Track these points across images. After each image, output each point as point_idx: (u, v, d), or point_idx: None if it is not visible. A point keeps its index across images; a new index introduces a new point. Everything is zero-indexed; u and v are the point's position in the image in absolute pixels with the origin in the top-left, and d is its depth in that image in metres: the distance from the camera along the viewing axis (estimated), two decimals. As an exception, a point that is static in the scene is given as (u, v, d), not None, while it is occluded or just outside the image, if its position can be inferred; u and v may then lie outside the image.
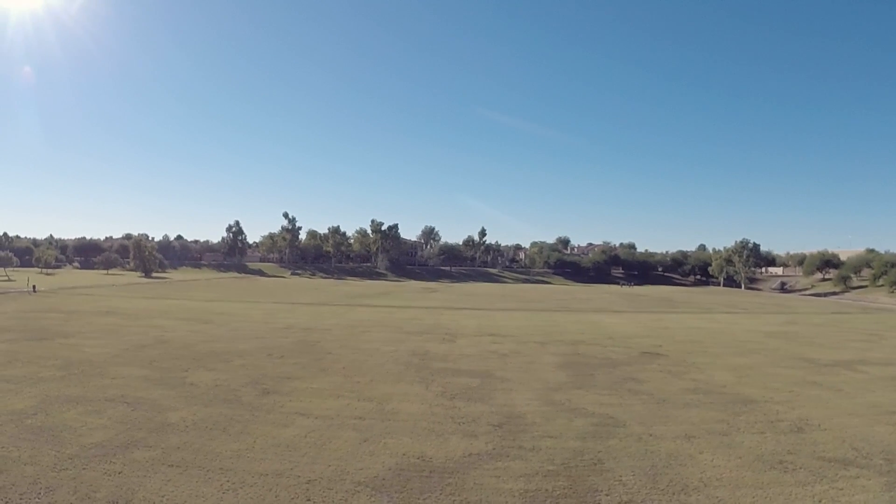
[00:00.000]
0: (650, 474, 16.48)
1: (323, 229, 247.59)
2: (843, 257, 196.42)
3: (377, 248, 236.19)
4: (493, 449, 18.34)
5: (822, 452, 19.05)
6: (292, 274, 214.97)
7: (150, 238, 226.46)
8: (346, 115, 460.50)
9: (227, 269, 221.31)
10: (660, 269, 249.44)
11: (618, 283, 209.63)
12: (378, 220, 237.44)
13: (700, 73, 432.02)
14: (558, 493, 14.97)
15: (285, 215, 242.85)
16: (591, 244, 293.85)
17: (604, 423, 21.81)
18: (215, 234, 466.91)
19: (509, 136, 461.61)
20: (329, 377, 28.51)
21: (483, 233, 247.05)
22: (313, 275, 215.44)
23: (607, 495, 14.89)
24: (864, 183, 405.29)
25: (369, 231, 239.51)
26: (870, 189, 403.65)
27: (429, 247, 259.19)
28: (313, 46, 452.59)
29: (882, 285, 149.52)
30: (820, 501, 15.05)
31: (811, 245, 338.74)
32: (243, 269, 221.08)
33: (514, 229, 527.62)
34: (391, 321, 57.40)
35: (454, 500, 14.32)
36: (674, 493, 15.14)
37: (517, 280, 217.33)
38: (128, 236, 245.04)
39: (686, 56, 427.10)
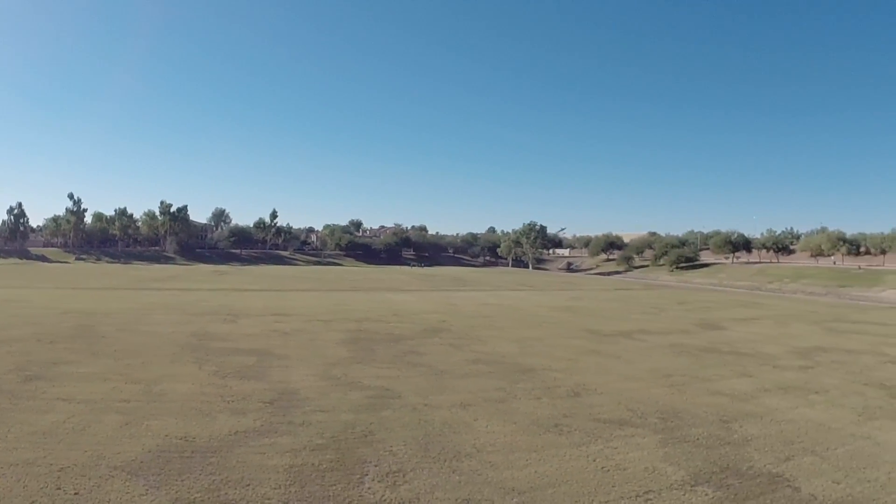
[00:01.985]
0: (422, 443, 15.88)
1: (111, 211, 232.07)
2: (626, 239, 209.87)
3: (166, 231, 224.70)
4: (262, 426, 17.17)
5: (597, 415, 19.33)
6: (77, 259, 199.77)
7: None
8: (134, 87, 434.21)
9: (7, 254, 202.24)
10: (451, 250, 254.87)
11: (409, 265, 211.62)
12: (167, 202, 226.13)
13: (490, 53, 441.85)
14: (325, 466, 14.05)
15: (70, 196, 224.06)
16: (383, 227, 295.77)
17: (379, 395, 21.11)
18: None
19: (301, 116, 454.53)
20: (100, 361, 26.09)
21: (274, 214, 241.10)
22: (99, 259, 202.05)
23: (376, 466, 14.13)
24: (647, 170, 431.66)
25: (158, 213, 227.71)
26: (652, 176, 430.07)
27: (219, 229, 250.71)
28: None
29: (663, 265, 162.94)
30: (594, 460, 15.05)
31: (597, 228, 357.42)
32: (26, 255, 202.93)
33: (307, 212, 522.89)
34: (176, 304, 54.03)
35: (214, 480, 13.06)
36: (445, 461, 14.58)
37: (309, 263, 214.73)
38: None
39: (466, 36, 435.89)
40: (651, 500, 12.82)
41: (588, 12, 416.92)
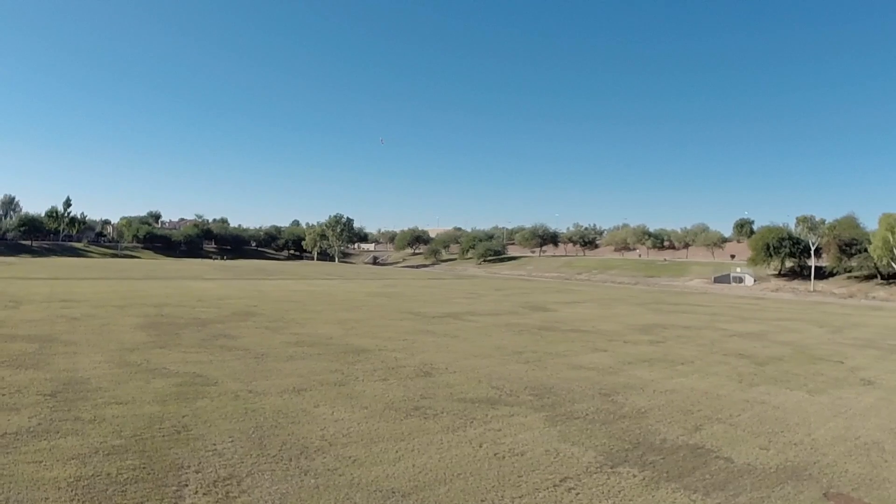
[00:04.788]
0: (254, 438, 12.18)
1: None
2: (432, 234, 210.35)
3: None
4: (39, 424, 12.77)
5: (460, 394, 16.82)
6: None
7: None
8: None
9: None
10: (253, 243, 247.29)
11: (211, 258, 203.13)
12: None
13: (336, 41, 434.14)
14: (126, 476, 10.06)
15: None
16: (183, 219, 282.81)
17: (191, 382, 17.19)
18: None
19: (98, 106, 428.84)
20: None
21: (68, 203, 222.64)
22: None
23: (197, 472, 10.31)
24: (451, 167, 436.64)
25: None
26: (456, 173, 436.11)
27: (8, 218, 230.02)
28: None
29: (471, 258, 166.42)
30: (481, 445, 12.35)
31: (401, 223, 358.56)
32: None
33: (104, 203, 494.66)
34: (-62, 292, 46.95)
35: (-44, 506, 8.92)
36: (290, 459, 11.03)
37: (105, 255, 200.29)
38: None
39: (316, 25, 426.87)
40: (573, 488, 10.40)
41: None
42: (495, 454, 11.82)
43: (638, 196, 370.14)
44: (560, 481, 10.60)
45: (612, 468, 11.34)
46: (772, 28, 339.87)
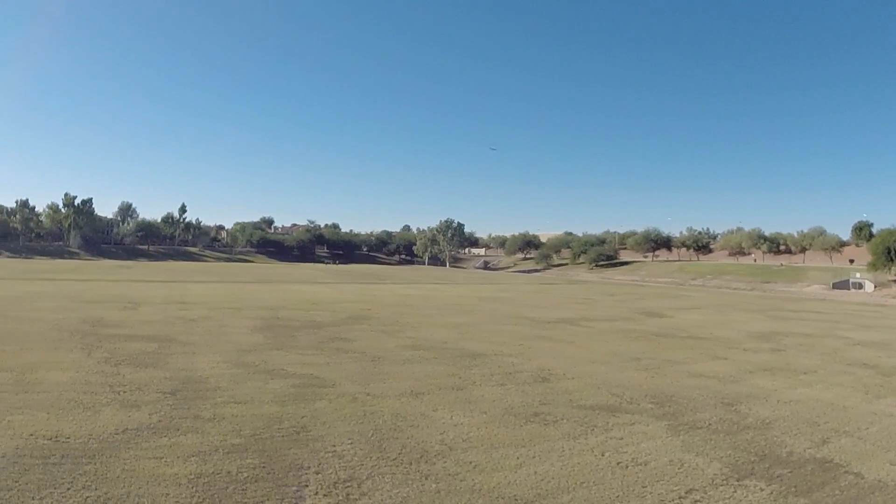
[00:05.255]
0: (374, 441, 12.14)
1: (11, 203, 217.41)
2: (543, 238, 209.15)
3: (69, 225, 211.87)
4: (159, 421, 13.06)
5: (579, 401, 16.39)
6: None
7: None
8: (34, 80, 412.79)
9: None
10: (365, 248, 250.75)
11: (323, 262, 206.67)
12: (72, 195, 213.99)
13: (419, 63, 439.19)
14: (246, 474, 10.15)
15: None
16: (295, 224, 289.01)
17: (308, 383, 17.36)
18: None
19: (210, 112, 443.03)
20: (-33, 346, 21.77)
21: (183, 209, 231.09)
22: None
23: (317, 473, 10.31)
24: (561, 172, 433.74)
25: (61, 206, 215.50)
26: (567, 177, 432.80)
27: (126, 224, 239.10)
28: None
29: (582, 262, 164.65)
30: (603, 454, 11.93)
31: (511, 228, 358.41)
32: None
33: (218, 209, 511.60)
34: (69, 292, 48.92)
35: (88, 496, 9.09)
36: (410, 463, 10.92)
37: (219, 259, 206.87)
38: None
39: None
40: (699, 500, 9.99)
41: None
42: (618, 463, 11.43)
43: (752, 198, 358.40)
44: (686, 493, 10.16)
45: (738, 481, 10.84)
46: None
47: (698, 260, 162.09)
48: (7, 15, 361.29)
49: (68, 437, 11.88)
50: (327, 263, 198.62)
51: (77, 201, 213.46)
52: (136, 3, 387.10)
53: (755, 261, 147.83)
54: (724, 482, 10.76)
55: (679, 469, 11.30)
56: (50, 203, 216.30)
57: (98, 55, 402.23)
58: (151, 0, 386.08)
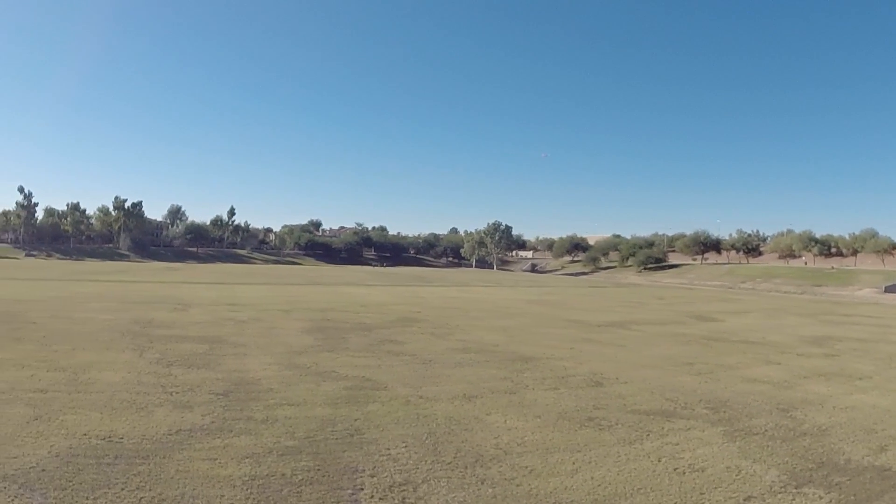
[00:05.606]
0: (428, 444, 12.11)
1: (63, 206, 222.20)
2: (590, 241, 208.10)
3: (119, 228, 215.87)
4: (212, 422, 13.16)
5: (633, 405, 16.20)
6: (27, 255, 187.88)
7: None
8: (86, 84, 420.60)
9: None
10: (412, 251, 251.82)
11: (370, 265, 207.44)
12: (122, 197, 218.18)
13: (445, 57, 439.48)
14: (300, 477, 10.17)
15: (20, 190, 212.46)
16: (343, 227, 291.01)
17: (360, 386, 17.40)
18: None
19: (259, 116, 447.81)
20: (21, 346, 22.08)
21: (232, 212, 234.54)
22: (50, 256, 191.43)
23: (372, 476, 10.30)
24: (608, 174, 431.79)
25: (112, 209, 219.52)
26: (614, 179, 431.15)
27: (175, 226, 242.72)
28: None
29: (631, 265, 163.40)
30: (660, 460, 11.79)
31: (558, 230, 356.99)
32: None
33: (265, 212, 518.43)
34: (119, 293, 49.85)
35: (142, 497, 9.18)
36: (465, 467, 10.86)
37: (267, 261, 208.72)
38: None
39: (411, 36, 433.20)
40: None
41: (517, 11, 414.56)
42: (675, 469, 11.27)
43: (803, 199, 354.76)
44: (744, 500, 9.99)
45: (796, 488, 10.64)
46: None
47: (747, 263, 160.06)
48: (56, 18, 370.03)
49: (122, 438, 12.01)
50: (375, 266, 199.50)
51: (127, 204, 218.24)
52: (184, 6, 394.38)
53: (805, 263, 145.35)
54: (783, 490, 10.58)
55: (737, 476, 11.12)
56: (100, 206, 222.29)
57: (147, 58, 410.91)
58: (199, 2, 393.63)
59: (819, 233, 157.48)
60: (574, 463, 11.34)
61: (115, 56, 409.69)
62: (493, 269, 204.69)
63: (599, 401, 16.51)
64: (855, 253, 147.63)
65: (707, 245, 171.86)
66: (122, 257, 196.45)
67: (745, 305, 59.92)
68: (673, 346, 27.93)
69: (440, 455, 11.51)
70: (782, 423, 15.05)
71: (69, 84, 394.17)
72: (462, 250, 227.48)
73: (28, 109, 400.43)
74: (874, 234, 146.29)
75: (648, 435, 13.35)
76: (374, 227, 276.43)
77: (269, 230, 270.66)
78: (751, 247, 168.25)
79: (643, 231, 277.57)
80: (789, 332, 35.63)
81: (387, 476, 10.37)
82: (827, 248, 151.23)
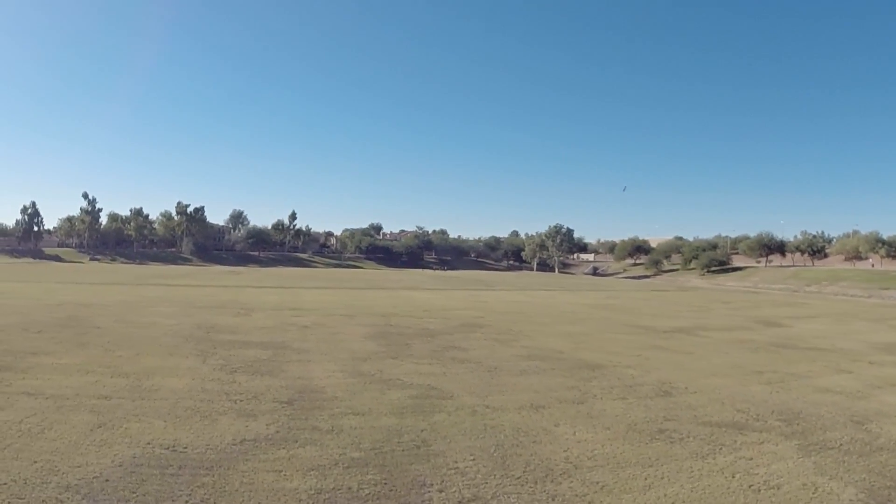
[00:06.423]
0: (496, 457, 11.98)
1: (127, 212, 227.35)
2: (652, 244, 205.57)
3: (182, 232, 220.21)
4: (277, 432, 13.20)
5: (704, 417, 15.83)
6: (91, 259, 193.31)
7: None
8: (148, 91, 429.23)
9: (21, 254, 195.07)
10: (473, 254, 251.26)
11: (431, 268, 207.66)
12: (184, 203, 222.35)
13: (499, 57, 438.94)
14: (367, 491, 10.11)
15: (84, 196, 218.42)
16: (403, 231, 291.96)
17: (425, 395, 17.34)
18: (8, 216, 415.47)
19: (321, 121, 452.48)
20: (86, 351, 22.57)
21: (293, 216, 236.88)
22: (114, 260, 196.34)
23: (441, 491, 10.21)
24: (669, 175, 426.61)
25: (174, 214, 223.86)
26: (675, 181, 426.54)
27: (236, 231, 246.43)
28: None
29: (693, 268, 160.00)
30: (734, 476, 11.46)
31: (619, 233, 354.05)
32: (39, 255, 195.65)
33: (326, 216, 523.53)
34: (182, 297, 50.89)
35: (205, 509, 9.25)
36: (536, 482, 10.72)
37: (328, 265, 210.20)
38: None
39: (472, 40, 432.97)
40: None
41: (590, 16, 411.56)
42: (750, 486, 10.96)
43: (869, 200, 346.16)
44: (822, 520, 9.63)
45: (873, 509, 10.25)
46: None
47: (812, 265, 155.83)
48: (117, 28, 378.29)
49: (185, 447, 12.07)
50: (435, 269, 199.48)
51: (189, 209, 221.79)
52: (243, 12, 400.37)
53: (873, 266, 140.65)
54: (862, 509, 10.24)
55: (813, 494, 10.79)
56: (163, 211, 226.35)
57: (208, 64, 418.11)
58: (256, 8, 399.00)
59: (886, 234, 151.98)
60: (646, 479, 11.13)
61: (175, 63, 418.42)
62: (554, 272, 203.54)
63: (669, 412, 16.22)
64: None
65: (771, 247, 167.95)
66: (184, 261, 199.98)
67: (813, 310, 58.45)
68: (741, 354, 27.34)
69: (509, 469, 11.38)
70: (857, 436, 14.59)
71: (132, 92, 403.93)
72: (523, 253, 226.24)
73: (92, 118, 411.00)
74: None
75: (721, 449, 13.04)
76: (434, 231, 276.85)
77: (329, 234, 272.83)
78: (816, 249, 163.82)
79: (705, 233, 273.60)
80: (859, 339, 34.67)
81: (455, 491, 10.27)
82: (895, 249, 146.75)
